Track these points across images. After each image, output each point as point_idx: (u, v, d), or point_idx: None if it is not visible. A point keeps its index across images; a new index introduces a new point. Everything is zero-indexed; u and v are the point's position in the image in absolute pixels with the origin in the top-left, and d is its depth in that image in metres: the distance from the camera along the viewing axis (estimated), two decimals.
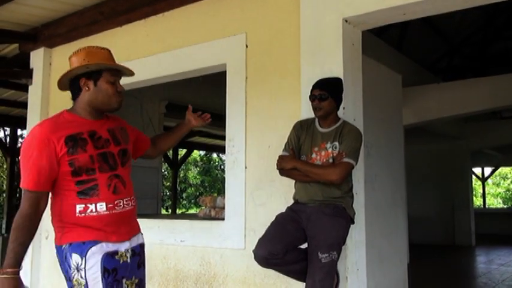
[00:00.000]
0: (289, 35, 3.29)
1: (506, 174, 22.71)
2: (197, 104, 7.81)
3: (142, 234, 2.20)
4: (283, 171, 2.76)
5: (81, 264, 1.89)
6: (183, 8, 3.91)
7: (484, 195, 17.50)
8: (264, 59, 3.41)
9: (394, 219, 4.06)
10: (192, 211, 18.55)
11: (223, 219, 3.55)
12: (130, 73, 2.12)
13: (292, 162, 2.70)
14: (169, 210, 15.70)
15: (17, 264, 1.83)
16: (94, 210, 1.93)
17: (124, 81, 4.44)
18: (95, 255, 1.90)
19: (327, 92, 2.69)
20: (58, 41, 4.76)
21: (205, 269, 3.54)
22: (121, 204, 2.01)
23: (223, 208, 3.61)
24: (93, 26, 4.37)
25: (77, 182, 1.93)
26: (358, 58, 3.21)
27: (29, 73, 5.00)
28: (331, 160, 2.64)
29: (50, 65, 4.95)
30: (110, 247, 1.94)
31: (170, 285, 3.74)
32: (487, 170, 16.99)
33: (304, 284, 2.59)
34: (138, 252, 2.10)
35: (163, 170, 11.88)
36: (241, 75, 3.48)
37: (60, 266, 2.00)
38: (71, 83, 2.05)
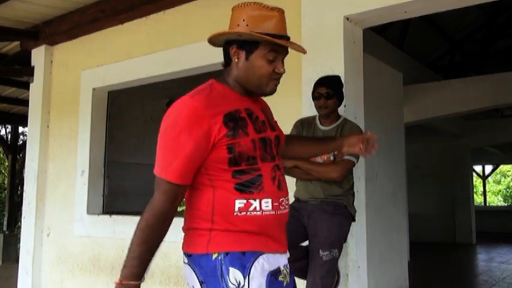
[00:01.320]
0: (290, 33, 3.28)
1: (507, 172, 22.70)
2: None
3: None
4: (284, 169, 2.76)
5: (243, 284, 1.42)
6: (184, 5, 3.91)
7: (484, 193, 17.50)
8: None
9: (394, 217, 4.07)
10: None
11: None
12: (301, 50, 1.69)
13: (292, 160, 2.70)
14: None
15: (141, 275, 1.47)
16: (258, 208, 1.48)
17: (124, 79, 4.46)
18: (259, 275, 1.43)
19: (332, 90, 2.68)
20: (59, 38, 4.77)
21: None
22: (284, 203, 1.57)
23: None
24: (94, 24, 4.38)
25: (234, 172, 1.48)
26: (359, 56, 3.21)
27: (30, 71, 5.01)
28: (332, 158, 2.64)
29: (51, 62, 4.95)
30: (270, 261, 1.47)
31: (171, 282, 3.75)
32: (488, 168, 16.99)
33: (305, 281, 2.60)
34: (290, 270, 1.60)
35: None
36: None
37: (201, 278, 1.49)
38: (223, 45, 1.62)
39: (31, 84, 5.05)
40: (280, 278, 1.48)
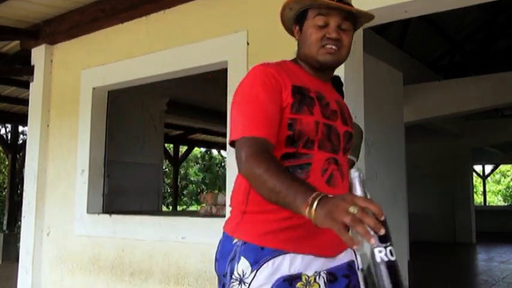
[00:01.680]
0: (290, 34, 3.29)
1: (507, 172, 22.70)
2: (198, 101, 7.86)
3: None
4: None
5: (247, 277, 1.28)
6: (184, 5, 3.91)
7: (484, 193, 17.51)
8: (265, 56, 3.39)
9: (394, 217, 4.07)
10: (192, 208, 18.57)
11: (224, 216, 3.56)
12: (367, 16, 1.53)
13: None
14: (170, 207, 15.73)
15: (311, 188, 1.13)
16: None
17: (124, 79, 4.46)
18: (268, 276, 1.27)
19: (335, 89, 2.67)
20: (59, 38, 4.76)
21: (206, 266, 3.55)
22: None
23: (224, 205, 3.62)
24: (94, 23, 4.38)
25: (284, 154, 1.32)
26: (359, 56, 3.21)
27: (30, 70, 5.00)
28: None
29: (51, 62, 4.95)
30: (293, 264, 1.28)
31: (171, 282, 3.75)
32: (488, 168, 17.00)
33: None
34: (345, 274, 1.38)
35: (164, 167, 11.90)
36: (243, 73, 3.46)
37: (217, 256, 1.41)
38: (288, 24, 1.54)
39: (31, 84, 5.04)
40: (297, 285, 1.27)
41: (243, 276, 1.28)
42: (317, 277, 1.30)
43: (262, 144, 1.25)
